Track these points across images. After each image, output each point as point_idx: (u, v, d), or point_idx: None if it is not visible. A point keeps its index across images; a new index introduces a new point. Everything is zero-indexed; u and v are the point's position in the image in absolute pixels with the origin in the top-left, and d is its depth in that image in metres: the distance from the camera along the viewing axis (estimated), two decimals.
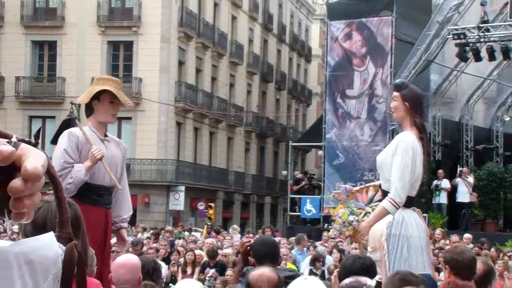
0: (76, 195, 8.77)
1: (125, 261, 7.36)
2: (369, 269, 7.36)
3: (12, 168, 1.63)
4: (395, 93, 9.05)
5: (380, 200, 8.96)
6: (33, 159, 1.63)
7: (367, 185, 10.18)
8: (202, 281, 15.75)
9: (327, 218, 36.52)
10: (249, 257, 8.33)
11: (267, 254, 8.46)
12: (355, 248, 9.99)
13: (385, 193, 8.79)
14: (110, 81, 9.74)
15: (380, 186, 9.19)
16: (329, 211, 9.70)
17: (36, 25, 52.15)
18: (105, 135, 9.56)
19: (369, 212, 9.15)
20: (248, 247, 8.29)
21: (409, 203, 8.73)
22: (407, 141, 8.62)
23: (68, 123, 9.72)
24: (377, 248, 8.69)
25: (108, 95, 9.25)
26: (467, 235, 25.02)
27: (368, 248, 9.09)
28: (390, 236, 8.49)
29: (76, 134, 9.10)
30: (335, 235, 10.61)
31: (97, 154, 8.93)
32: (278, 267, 7.56)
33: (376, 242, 8.74)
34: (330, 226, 10.72)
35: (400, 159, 8.50)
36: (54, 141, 9.51)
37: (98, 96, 9.21)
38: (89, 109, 9.41)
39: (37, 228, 1.99)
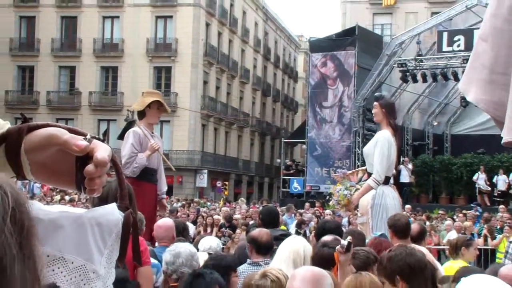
0: (139, 176, 9.37)
1: (162, 223, 7.41)
2: (335, 229, 7.37)
3: (87, 157, 1.66)
4: (375, 103, 9.29)
5: (366, 180, 9.14)
6: (101, 151, 1.66)
7: (357, 169, 10.46)
8: (219, 237, 15.73)
9: (308, 193, 36.83)
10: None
11: (272, 220, 8.60)
12: (351, 214, 10.08)
13: (369, 174, 9.10)
14: (156, 94, 10.27)
15: (366, 169, 9.37)
16: (333, 187, 9.80)
17: (104, 55, 51.99)
18: (153, 132, 9.85)
19: (358, 189, 9.27)
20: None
21: (387, 181, 9.10)
22: (384, 136, 8.89)
23: (130, 124, 9.92)
24: (364, 213, 8.96)
25: (156, 104, 9.61)
26: (408, 206, 25.04)
27: (357, 213, 9.23)
28: (373, 205, 8.77)
29: (138, 132, 9.48)
30: (334, 205, 10.67)
31: (155, 146, 9.46)
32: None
33: (363, 209, 8.99)
34: (330, 199, 10.82)
35: (380, 149, 8.84)
36: (121, 137, 9.86)
37: (149, 104, 9.50)
38: (141, 114, 9.67)
39: (103, 200, 1.99)
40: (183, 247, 5.66)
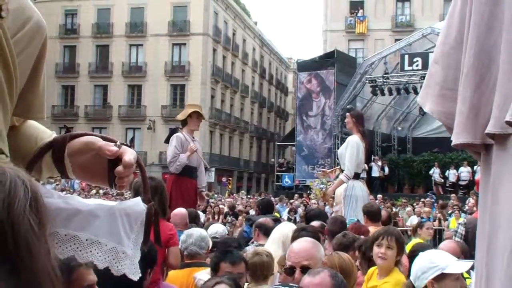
0: (181, 173, 9.46)
1: (178, 211, 7.39)
2: (319, 215, 7.40)
3: (117, 160, 1.66)
4: (347, 114, 9.55)
5: None
6: (129, 155, 1.67)
7: (334, 168, 10.57)
8: (224, 224, 15.69)
9: (297, 187, 36.82)
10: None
11: (268, 208, 8.71)
12: (328, 204, 10.19)
13: (343, 171, 9.12)
14: (196, 106, 10.68)
15: (340, 168, 9.46)
16: (311, 181, 9.92)
17: (130, 76, 52.07)
18: (193, 137, 9.93)
19: (324, 184, 9.36)
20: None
21: (357, 176, 9.17)
22: (354, 140, 9.05)
23: (174, 131, 9.99)
24: (338, 203, 8.98)
25: (195, 114, 9.73)
26: (379, 196, 25.06)
27: (333, 203, 9.32)
28: (345, 196, 8.82)
29: (180, 136, 9.60)
30: (312, 197, 10.85)
31: (194, 148, 9.54)
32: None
33: (338, 199, 9.05)
34: (309, 192, 11.00)
35: (350, 151, 9.00)
36: (167, 141, 9.92)
37: (190, 114, 9.67)
38: (184, 122, 9.79)
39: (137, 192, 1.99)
40: (196, 230, 5.69)
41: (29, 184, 1.12)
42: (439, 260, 3.64)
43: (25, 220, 1.08)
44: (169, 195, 9.32)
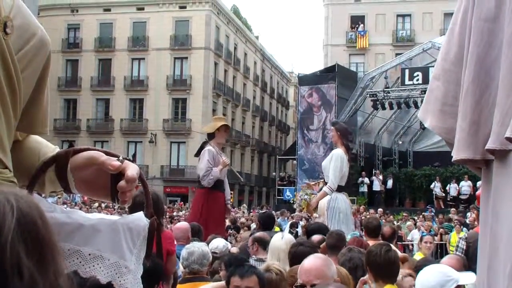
0: (212, 186, 9.51)
1: (180, 225, 7.39)
2: (319, 230, 7.40)
3: (120, 174, 1.67)
4: (332, 127, 9.56)
5: None
6: (131, 170, 1.68)
7: (318, 181, 10.52)
8: (226, 238, 15.62)
9: None
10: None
11: (269, 222, 8.72)
12: (310, 216, 10.22)
13: (326, 184, 9.10)
14: (223, 119, 10.78)
15: (324, 180, 9.37)
16: (296, 193, 9.91)
17: (132, 89, 52.14)
18: (221, 150, 10.04)
19: (309, 195, 9.38)
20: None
21: (340, 189, 9.22)
22: (338, 153, 9.08)
23: (204, 144, 9.90)
24: (322, 215, 9.01)
25: (223, 127, 9.77)
26: (380, 210, 25.02)
27: (315, 215, 9.33)
28: (329, 208, 8.83)
29: (212, 150, 9.59)
30: (296, 207, 10.90)
31: (227, 161, 9.70)
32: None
33: (321, 211, 9.03)
34: (293, 201, 11.04)
35: (334, 164, 9.05)
36: (197, 154, 9.98)
37: (218, 127, 9.67)
38: (211, 135, 9.79)
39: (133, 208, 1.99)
40: (197, 248, 5.64)
41: (23, 207, 1.02)
42: (452, 273, 3.80)
43: (7, 249, 0.96)
44: (200, 208, 9.42)
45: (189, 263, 5.47)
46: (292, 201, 13.17)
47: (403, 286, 4.57)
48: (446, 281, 3.68)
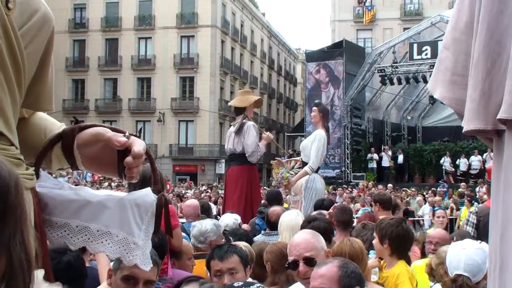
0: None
1: (190, 203, 7.38)
2: (324, 205, 7.47)
3: (127, 150, 1.66)
4: (314, 107, 9.48)
5: (299, 167, 9.26)
6: (138, 146, 1.67)
7: (290, 159, 10.57)
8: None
9: None
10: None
11: (276, 199, 8.73)
12: (287, 193, 10.24)
13: (304, 163, 9.27)
14: (251, 92, 10.33)
15: (301, 160, 9.49)
16: (273, 170, 9.82)
17: (139, 69, 52.06)
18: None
19: (293, 173, 9.36)
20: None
21: (317, 169, 9.22)
22: (321, 135, 9.14)
23: (243, 120, 9.51)
24: (298, 193, 9.07)
25: (256, 102, 9.64)
26: (389, 185, 25.06)
27: (292, 193, 9.36)
28: (306, 188, 8.91)
29: (256, 126, 9.47)
30: (275, 184, 10.90)
31: (271, 136, 9.79)
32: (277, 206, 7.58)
33: (297, 190, 9.10)
34: (271, 179, 11.19)
35: (316, 145, 9.10)
36: (239, 131, 9.45)
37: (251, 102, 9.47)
38: (239, 110, 9.56)
39: (139, 184, 1.98)
40: (198, 224, 5.44)
41: (2, 173, 1.10)
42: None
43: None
44: (246, 184, 9.35)
45: (190, 236, 5.47)
46: (270, 178, 13.33)
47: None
48: (486, 257, 3.46)
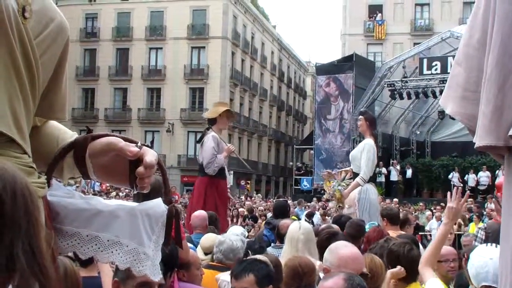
0: (216, 174, 9.17)
1: (198, 214, 7.31)
2: (341, 221, 7.40)
3: (138, 160, 1.66)
4: (360, 116, 9.39)
5: (350, 179, 9.19)
6: (150, 156, 1.67)
7: (340, 170, 10.40)
8: (244, 226, 15.63)
9: (316, 190, 36.68)
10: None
11: (283, 211, 8.67)
12: (340, 207, 10.02)
13: (355, 174, 9.10)
14: (225, 104, 10.21)
15: (352, 170, 9.37)
16: (325, 183, 9.72)
17: (150, 79, 52.28)
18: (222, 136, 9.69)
19: (344, 185, 9.27)
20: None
21: (369, 180, 9.01)
22: (370, 144, 8.94)
23: (207, 130, 9.49)
24: (352, 205, 8.92)
25: (226, 112, 9.39)
26: (395, 200, 24.99)
27: (346, 206, 9.21)
28: (360, 199, 8.76)
29: (216, 136, 9.20)
30: (327, 197, 10.76)
31: (232, 148, 9.41)
32: (288, 219, 7.54)
33: (351, 202, 8.97)
34: (323, 192, 10.95)
35: (366, 154, 8.90)
36: (199, 141, 9.57)
37: (221, 113, 9.31)
38: (212, 121, 9.41)
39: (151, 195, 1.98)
40: (229, 240, 5.29)
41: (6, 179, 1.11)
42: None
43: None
44: (203, 197, 9.19)
45: (216, 251, 5.41)
46: (322, 192, 13.16)
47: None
48: None
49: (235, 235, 5.87)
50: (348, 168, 9.90)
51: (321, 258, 4.88)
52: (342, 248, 3.79)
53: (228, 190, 9.93)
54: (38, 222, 1.16)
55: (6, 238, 1.07)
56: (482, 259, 3.59)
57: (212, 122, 9.46)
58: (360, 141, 32.41)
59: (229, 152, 9.39)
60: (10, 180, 1.11)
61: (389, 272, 4.30)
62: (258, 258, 4.28)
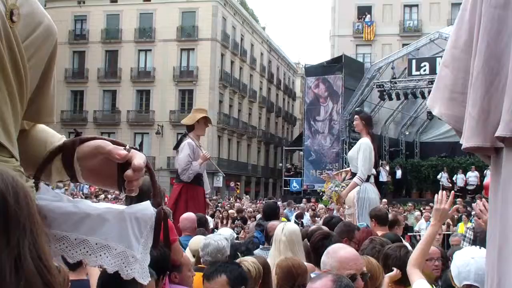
0: (191, 181, 9.20)
1: (187, 216, 7.31)
2: (331, 222, 7.40)
3: (127, 163, 1.66)
4: (356, 116, 9.39)
5: (350, 179, 9.18)
6: (138, 159, 1.67)
7: (340, 171, 10.48)
8: (233, 228, 15.61)
9: (305, 191, 36.70)
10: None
11: (273, 213, 8.64)
12: (340, 207, 10.06)
13: (353, 174, 9.10)
14: (203, 110, 10.08)
15: (350, 170, 9.36)
16: (325, 184, 9.74)
17: (139, 81, 52.19)
18: (200, 143, 9.67)
19: (344, 186, 9.27)
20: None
21: (368, 178, 9.08)
22: (366, 143, 8.96)
23: (183, 137, 9.63)
24: (351, 206, 8.91)
25: (203, 119, 9.44)
26: (384, 200, 24.99)
27: (345, 206, 9.23)
28: (359, 198, 8.77)
29: (192, 143, 9.29)
30: (326, 199, 10.75)
31: (207, 155, 9.43)
32: (276, 221, 7.52)
33: (350, 202, 8.97)
34: (322, 193, 10.92)
35: (362, 154, 8.94)
36: (176, 147, 9.69)
37: (198, 119, 9.35)
38: (190, 127, 9.48)
39: (139, 198, 1.98)
40: (214, 241, 5.35)
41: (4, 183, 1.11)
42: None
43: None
44: (179, 204, 9.15)
45: (203, 254, 5.42)
46: (320, 193, 13.13)
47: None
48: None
49: (218, 235, 5.90)
50: (348, 169, 9.97)
51: (315, 260, 4.89)
52: (341, 250, 3.79)
53: (207, 196, 9.94)
54: (39, 224, 1.16)
55: (12, 239, 1.07)
56: (464, 258, 3.66)
57: (189, 128, 9.51)
58: (349, 142, 32.56)
59: (205, 160, 9.39)
60: (11, 182, 1.11)
61: (387, 276, 4.31)
62: (245, 259, 4.32)
